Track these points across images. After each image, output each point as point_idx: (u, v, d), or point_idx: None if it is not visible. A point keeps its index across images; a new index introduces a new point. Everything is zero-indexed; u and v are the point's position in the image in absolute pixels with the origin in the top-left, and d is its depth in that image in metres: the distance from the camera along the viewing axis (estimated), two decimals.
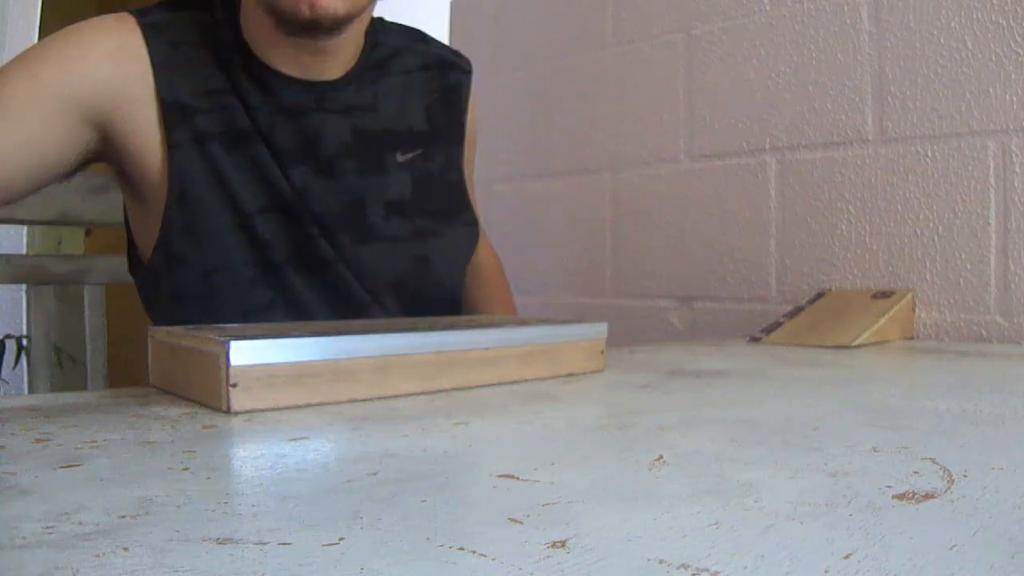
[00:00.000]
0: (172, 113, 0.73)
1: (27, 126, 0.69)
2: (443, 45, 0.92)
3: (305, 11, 0.69)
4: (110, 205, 1.04)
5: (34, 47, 0.72)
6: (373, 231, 0.80)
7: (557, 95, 1.52)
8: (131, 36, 0.73)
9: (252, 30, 0.76)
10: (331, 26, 0.72)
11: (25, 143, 0.69)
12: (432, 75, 0.88)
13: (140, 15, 0.75)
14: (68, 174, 0.74)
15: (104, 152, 0.75)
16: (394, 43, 0.86)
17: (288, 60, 0.76)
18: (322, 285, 0.77)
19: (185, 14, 0.77)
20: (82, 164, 0.75)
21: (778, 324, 1.02)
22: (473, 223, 0.90)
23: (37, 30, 2.29)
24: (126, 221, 0.82)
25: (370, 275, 0.80)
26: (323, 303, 0.78)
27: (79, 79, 0.71)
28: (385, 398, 0.53)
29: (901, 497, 0.31)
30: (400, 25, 0.89)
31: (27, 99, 0.69)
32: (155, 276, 0.77)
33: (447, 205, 0.87)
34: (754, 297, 1.20)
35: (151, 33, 0.74)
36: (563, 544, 0.25)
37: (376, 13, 0.82)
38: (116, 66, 0.72)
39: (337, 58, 0.79)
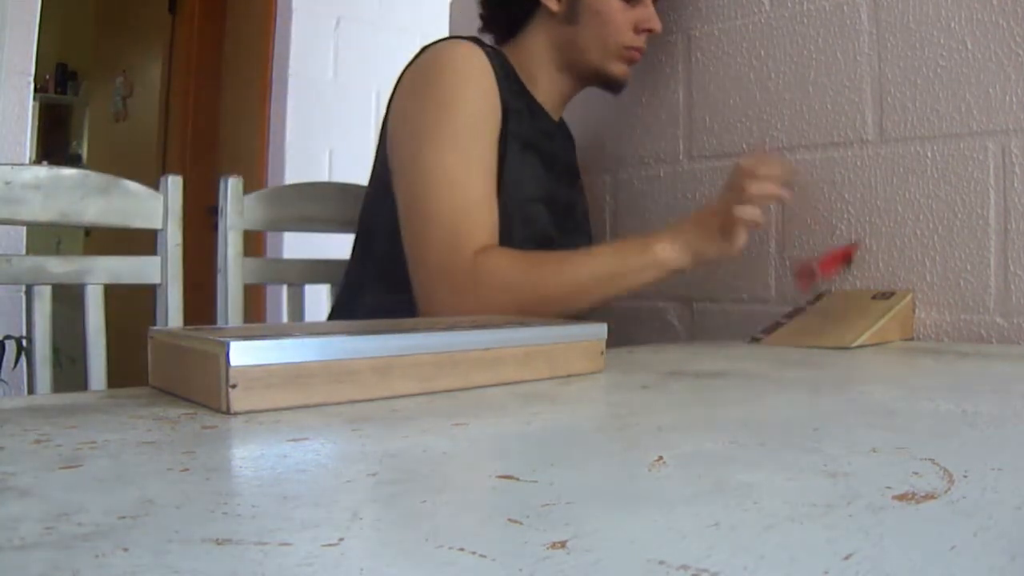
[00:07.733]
0: (506, 113, 0.98)
1: (485, 153, 0.94)
2: None
3: (625, 78, 1.10)
4: (110, 205, 1.04)
5: (430, 88, 0.96)
6: (579, 228, 1.16)
7: None
8: (485, 58, 0.97)
9: (533, 75, 1.06)
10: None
11: (492, 168, 0.94)
12: (568, 135, 1.24)
13: (475, 41, 1.00)
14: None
15: None
16: None
17: (548, 102, 1.09)
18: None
19: (490, 48, 1.02)
20: None
21: (778, 325, 1.02)
22: None
23: (36, 29, 2.28)
24: None
25: None
26: None
27: (492, 99, 0.96)
28: (385, 399, 0.53)
29: (901, 498, 0.31)
30: None
31: (474, 132, 0.93)
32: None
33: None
34: (754, 298, 1.20)
35: (490, 54, 0.99)
36: (563, 544, 0.25)
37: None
38: (495, 81, 0.97)
39: None
